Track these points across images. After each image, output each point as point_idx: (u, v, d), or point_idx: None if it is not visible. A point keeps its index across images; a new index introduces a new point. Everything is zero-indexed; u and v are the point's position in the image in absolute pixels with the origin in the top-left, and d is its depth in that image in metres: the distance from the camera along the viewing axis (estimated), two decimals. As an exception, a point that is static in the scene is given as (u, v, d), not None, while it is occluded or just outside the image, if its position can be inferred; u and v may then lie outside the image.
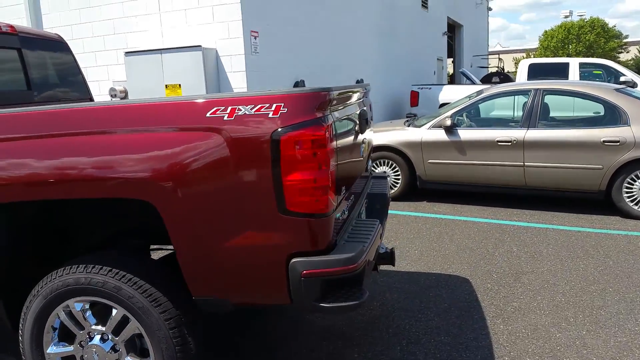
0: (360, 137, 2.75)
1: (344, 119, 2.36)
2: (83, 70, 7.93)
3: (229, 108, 2.02)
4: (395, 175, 6.82)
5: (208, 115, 2.03)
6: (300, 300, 2.08)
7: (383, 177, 3.76)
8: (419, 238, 5.20)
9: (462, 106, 6.60)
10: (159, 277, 2.23)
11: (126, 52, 7.25)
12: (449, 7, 19.50)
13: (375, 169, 6.88)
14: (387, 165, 6.85)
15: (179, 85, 6.98)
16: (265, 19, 7.30)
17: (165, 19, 7.20)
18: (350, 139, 2.46)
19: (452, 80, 23.75)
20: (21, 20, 8.22)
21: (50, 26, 8.05)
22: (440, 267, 4.37)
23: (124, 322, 2.23)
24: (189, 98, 2.10)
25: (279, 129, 1.96)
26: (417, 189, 6.81)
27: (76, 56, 7.94)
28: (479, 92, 6.75)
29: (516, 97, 6.44)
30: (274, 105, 1.99)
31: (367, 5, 11.45)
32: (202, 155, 2.02)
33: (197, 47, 6.73)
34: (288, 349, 3.11)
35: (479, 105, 6.58)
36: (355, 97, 2.60)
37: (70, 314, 2.28)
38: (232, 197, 2.02)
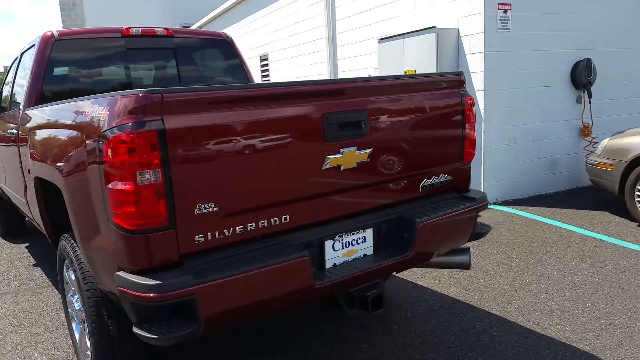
0: (321, 145, 2.32)
1: (235, 123, 2.09)
2: (356, 58, 8.69)
3: (89, 109, 2.15)
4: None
5: (82, 115, 2.23)
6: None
7: (468, 198, 2.93)
8: (615, 290, 3.72)
9: None
10: None
11: (379, 39, 7.53)
12: None
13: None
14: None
15: (414, 70, 6.83)
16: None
17: (419, 1, 7.09)
18: (254, 147, 2.14)
19: None
20: (320, 16, 9.56)
21: (343, 17, 9.07)
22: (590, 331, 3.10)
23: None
24: (85, 98, 2.35)
25: (101, 133, 1.99)
26: None
27: (353, 45, 8.76)
28: None
29: None
30: (103, 108, 2.02)
31: None
32: (74, 152, 2.26)
33: (431, 29, 6.40)
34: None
35: None
36: (275, 97, 2.21)
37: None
38: (89, 197, 2.17)
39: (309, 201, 2.35)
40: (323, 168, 2.34)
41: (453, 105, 2.85)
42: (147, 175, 1.90)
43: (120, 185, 1.92)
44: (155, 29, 4.20)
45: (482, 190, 6.32)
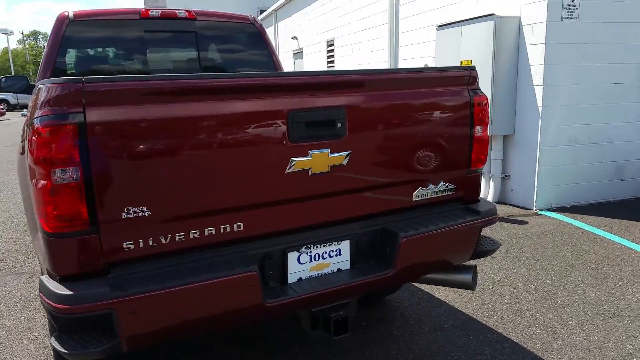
0: (284, 146, 2.02)
1: (175, 118, 1.84)
2: (418, 45, 8.16)
3: (34, 95, 1.99)
4: None
5: (31, 102, 2.07)
6: None
7: (471, 211, 2.52)
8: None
9: None
10: None
11: (438, 26, 6.96)
12: None
13: None
14: None
15: (470, 61, 6.22)
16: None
17: (481, -16, 6.46)
18: (198, 145, 1.88)
19: None
20: (385, 13, 9.06)
21: (407, 0, 8.53)
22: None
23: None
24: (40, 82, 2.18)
25: (28, 123, 1.82)
26: None
27: (415, 32, 8.22)
28: None
29: None
30: (37, 96, 1.83)
31: None
32: (22, 141, 2.11)
33: (489, 17, 5.77)
34: None
35: None
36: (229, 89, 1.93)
37: None
38: (27, 192, 2.02)
39: (268, 208, 2.06)
40: (286, 172, 2.04)
41: (459, 105, 2.44)
42: (65, 173, 1.70)
43: (39, 183, 1.73)
44: (177, 11, 4.01)
45: (538, 196, 5.72)
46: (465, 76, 2.46)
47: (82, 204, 1.73)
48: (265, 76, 2.03)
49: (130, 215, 1.80)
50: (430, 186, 2.46)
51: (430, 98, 2.37)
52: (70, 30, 3.63)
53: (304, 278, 2.20)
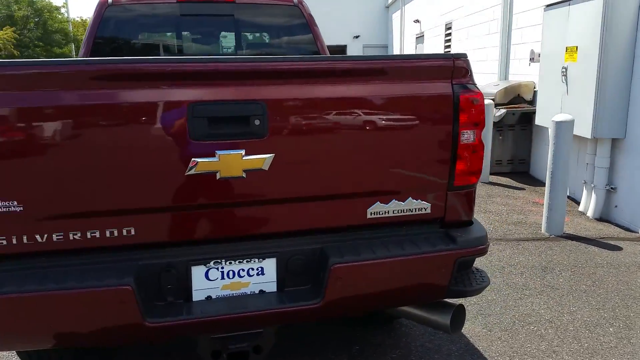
0: (183, 144, 1.80)
1: (50, 107, 1.71)
2: (532, 28, 7.25)
3: None
4: None
5: None
6: None
7: (447, 238, 2.06)
8: None
9: None
10: None
11: (545, 6, 6.06)
12: None
13: None
14: None
15: (576, 47, 5.29)
16: None
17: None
18: (77, 137, 1.73)
19: None
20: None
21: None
22: None
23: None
24: None
25: None
26: None
27: (530, 12, 7.29)
28: None
29: None
30: None
31: None
32: None
33: (599, -6, 4.85)
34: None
35: None
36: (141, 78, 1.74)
37: None
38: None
39: (166, 213, 1.86)
40: (187, 173, 1.81)
41: (435, 103, 2.01)
42: None
43: None
44: (215, -6, 3.91)
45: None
46: (447, 67, 1.99)
47: None
48: (162, 62, 1.80)
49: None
50: (393, 202, 2.05)
51: (391, 93, 1.95)
52: (108, 13, 3.71)
53: (213, 297, 1.96)
